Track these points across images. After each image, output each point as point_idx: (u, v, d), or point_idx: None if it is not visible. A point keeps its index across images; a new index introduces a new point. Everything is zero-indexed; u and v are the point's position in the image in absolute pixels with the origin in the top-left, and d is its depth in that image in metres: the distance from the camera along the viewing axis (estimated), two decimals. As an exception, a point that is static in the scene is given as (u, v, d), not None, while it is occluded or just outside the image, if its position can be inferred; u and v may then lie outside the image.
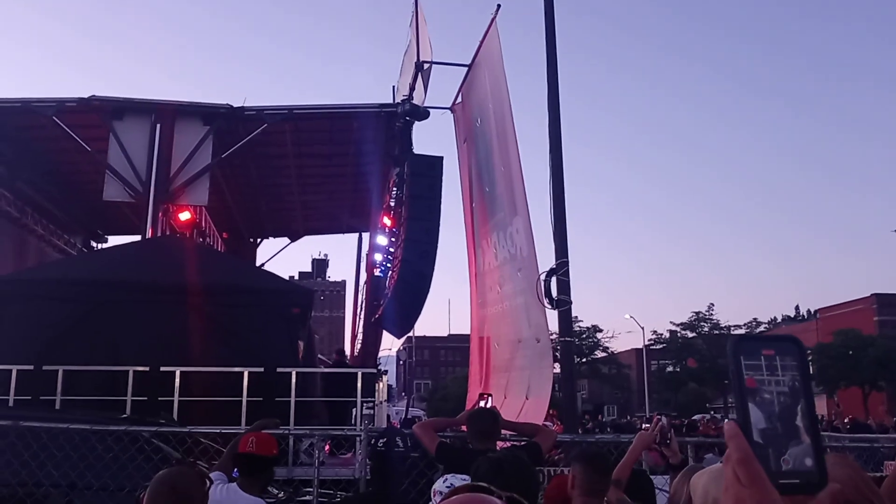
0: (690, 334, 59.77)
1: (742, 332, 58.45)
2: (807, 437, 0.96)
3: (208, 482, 3.22)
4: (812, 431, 0.97)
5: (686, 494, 3.46)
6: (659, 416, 4.77)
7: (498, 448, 5.13)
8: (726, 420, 0.99)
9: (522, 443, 5.62)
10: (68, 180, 20.81)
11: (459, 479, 3.09)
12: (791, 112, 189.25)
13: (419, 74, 17.53)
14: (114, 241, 24.77)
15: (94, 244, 25.30)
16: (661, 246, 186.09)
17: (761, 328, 62.48)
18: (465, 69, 17.66)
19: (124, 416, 8.93)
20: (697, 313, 60.32)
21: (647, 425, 4.94)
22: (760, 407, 0.97)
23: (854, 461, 1.65)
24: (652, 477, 5.27)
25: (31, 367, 10.68)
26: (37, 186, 20.15)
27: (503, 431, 5.64)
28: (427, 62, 17.69)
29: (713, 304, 63.45)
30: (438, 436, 5.43)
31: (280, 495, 6.53)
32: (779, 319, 70.01)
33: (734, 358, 1.01)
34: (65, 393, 10.44)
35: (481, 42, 16.36)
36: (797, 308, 73.87)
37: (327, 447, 10.38)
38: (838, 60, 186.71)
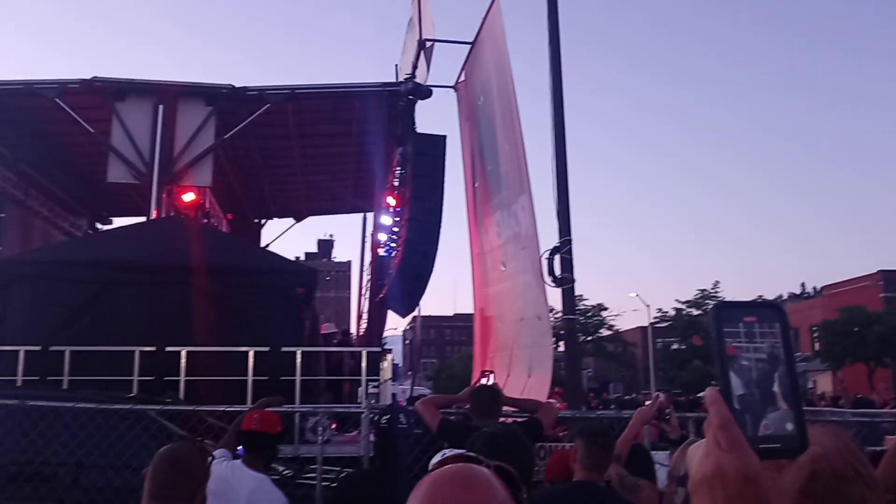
0: (696, 312, 59.67)
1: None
2: (784, 402, 0.98)
3: (210, 458, 3.26)
4: (792, 397, 0.99)
5: (685, 468, 3.50)
6: (657, 393, 4.81)
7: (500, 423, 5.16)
8: (708, 387, 1.01)
9: (524, 419, 5.66)
10: (72, 162, 20.82)
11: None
12: (796, 88, 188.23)
13: (422, 53, 17.44)
14: (118, 222, 24.82)
15: (99, 225, 25.33)
16: (667, 224, 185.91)
17: (766, 306, 61.99)
18: (468, 47, 17.55)
19: (130, 395, 8.99)
20: (703, 291, 60.15)
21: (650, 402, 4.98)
22: (739, 374, 0.99)
23: (843, 431, 1.67)
24: (653, 452, 5.31)
25: (39, 348, 10.75)
26: (41, 168, 20.16)
27: (505, 408, 5.67)
28: (429, 40, 17.61)
29: (719, 282, 63.52)
30: (441, 412, 5.47)
31: (285, 472, 6.59)
32: (784, 296, 69.85)
33: (715, 324, 1.02)
34: (71, 373, 10.52)
35: (484, 19, 16.25)
36: (803, 285, 73.69)
37: (334, 425, 10.45)
38: (842, 35, 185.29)
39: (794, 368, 1.01)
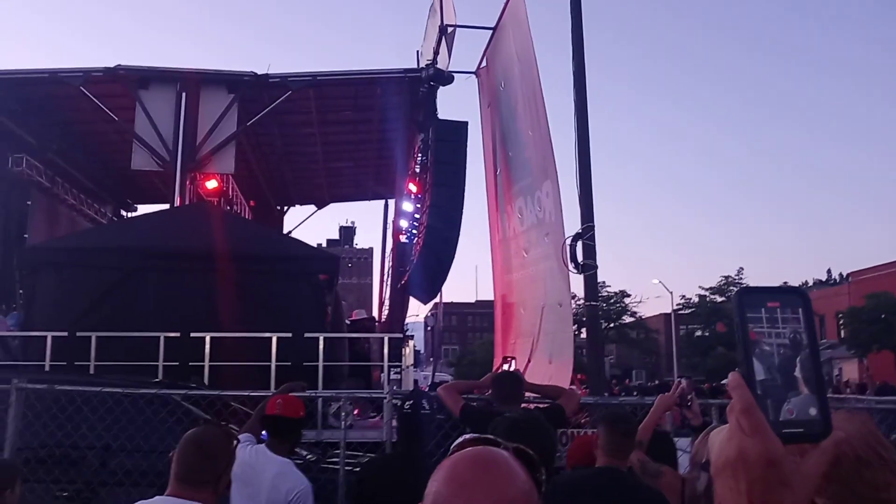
0: (720, 299, 59.25)
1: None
2: (805, 387, 0.98)
3: (235, 441, 3.30)
4: (816, 382, 0.99)
5: (707, 454, 3.50)
6: (679, 379, 4.80)
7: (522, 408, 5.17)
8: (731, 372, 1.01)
9: (546, 405, 5.66)
10: (97, 150, 21.03)
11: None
12: (820, 74, 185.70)
13: (443, 38, 17.38)
14: (143, 209, 25.05)
15: (123, 213, 25.57)
16: (691, 210, 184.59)
17: (791, 292, 61.35)
18: (490, 32, 17.46)
19: (156, 380, 9.09)
20: (727, 277, 59.76)
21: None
22: (760, 359, 0.99)
23: (867, 417, 1.66)
24: (675, 439, 5.30)
25: (66, 334, 10.89)
26: (67, 157, 20.36)
27: (527, 394, 5.68)
28: (451, 26, 17.53)
29: (743, 269, 62.90)
30: (463, 398, 5.49)
31: (308, 457, 6.64)
32: (810, 283, 69.23)
33: (738, 310, 1.02)
34: (98, 358, 10.64)
35: (506, 4, 16.14)
36: (829, 271, 72.88)
37: (357, 411, 10.51)
38: (867, 22, 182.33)
39: (817, 353, 1.01)
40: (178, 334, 10.87)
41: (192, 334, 10.86)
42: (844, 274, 63.02)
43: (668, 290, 59.38)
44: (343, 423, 6.78)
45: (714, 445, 1.00)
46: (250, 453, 4.31)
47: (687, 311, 62.88)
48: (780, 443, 0.94)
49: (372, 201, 29.28)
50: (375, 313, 25.24)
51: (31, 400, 6.14)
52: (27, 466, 5.31)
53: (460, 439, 1.34)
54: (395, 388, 9.40)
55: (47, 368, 10.41)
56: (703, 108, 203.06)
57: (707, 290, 60.46)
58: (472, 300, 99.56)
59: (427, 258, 16.64)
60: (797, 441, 0.98)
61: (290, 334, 10.99)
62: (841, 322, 51.97)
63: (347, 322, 15.78)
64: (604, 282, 58.60)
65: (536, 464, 1.31)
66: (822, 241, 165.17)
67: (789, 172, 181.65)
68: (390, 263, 22.95)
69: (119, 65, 16.58)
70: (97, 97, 16.49)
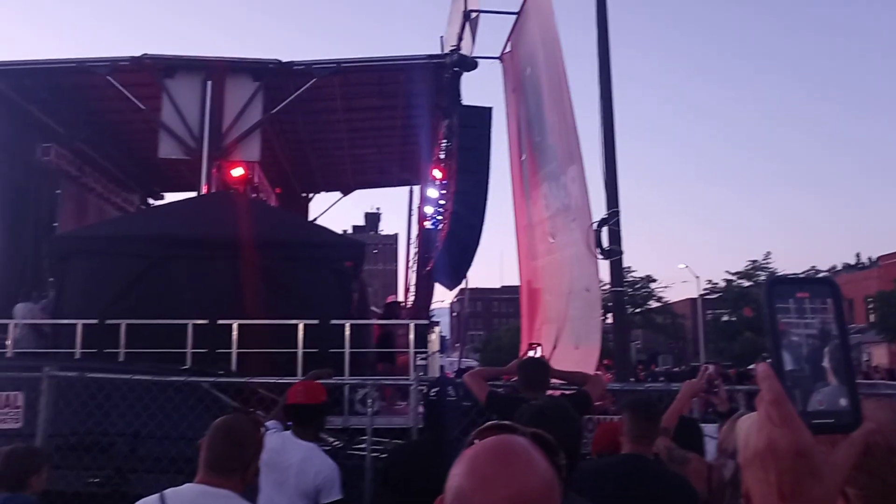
0: (747, 283, 58.80)
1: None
2: (834, 378, 0.97)
3: (263, 429, 3.33)
4: (846, 373, 0.98)
5: (734, 442, 3.48)
6: (706, 366, 4.76)
7: (548, 395, 5.16)
8: (759, 363, 1.01)
9: (572, 391, 5.66)
10: (124, 139, 21.20)
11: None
12: (852, 54, 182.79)
13: (467, 24, 17.30)
14: (170, 197, 25.24)
15: (151, 201, 25.79)
16: (717, 194, 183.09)
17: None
18: (514, 17, 17.37)
19: (184, 367, 9.19)
20: (754, 262, 59.24)
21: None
22: (788, 349, 0.99)
23: (899, 405, 1.63)
24: (701, 425, 5.27)
25: (95, 321, 11.04)
26: (94, 145, 20.56)
27: (553, 380, 5.67)
28: (475, 11, 17.45)
29: (770, 253, 62.22)
30: (489, 385, 5.50)
31: (335, 442, 6.69)
32: (839, 267, 68.34)
33: (768, 300, 1.02)
34: (127, 346, 10.78)
35: (529, -12, 16.06)
36: (857, 255, 71.60)
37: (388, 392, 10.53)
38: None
39: (847, 344, 1.01)
40: (206, 321, 10.99)
41: (220, 321, 10.97)
42: (874, 258, 62.19)
43: (694, 274, 59.01)
44: (370, 409, 6.82)
45: (741, 433, 1.00)
46: (277, 440, 4.35)
47: (713, 296, 62.48)
48: (810, 433, 0.94)
49: (397, 188, 29.31)
50: (401, 299, 25.35)
51: (63, 387, 6.23)
52: (58, 453, 5.40)
53: (479, 428, 1.36)
54: (421, 374, 9.43)
55: (78, 356, 10.56)
56: (733, 87, 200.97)
57: (734, 274, 60.03)
58: (498, 286, 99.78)
59: (452, 244, 16.66)
60: (827, 432, 0.98)
61: (316, 321, 11.06)
62: (870, 306, 51.39)
63: (383, 307, 15.82)
64: (629, 266, 58.48)
65: (555, 448, 1.33)
66: (851, 224, 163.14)
67: (819, 154, 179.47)
68: (416, 250, 23.01)
69: (145, 54, 16.69)
70: (124, 86, 16.60)
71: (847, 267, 67.29)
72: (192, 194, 17.10)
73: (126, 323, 10.90)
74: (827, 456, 0.97)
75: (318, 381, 4.94)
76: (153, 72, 16.71)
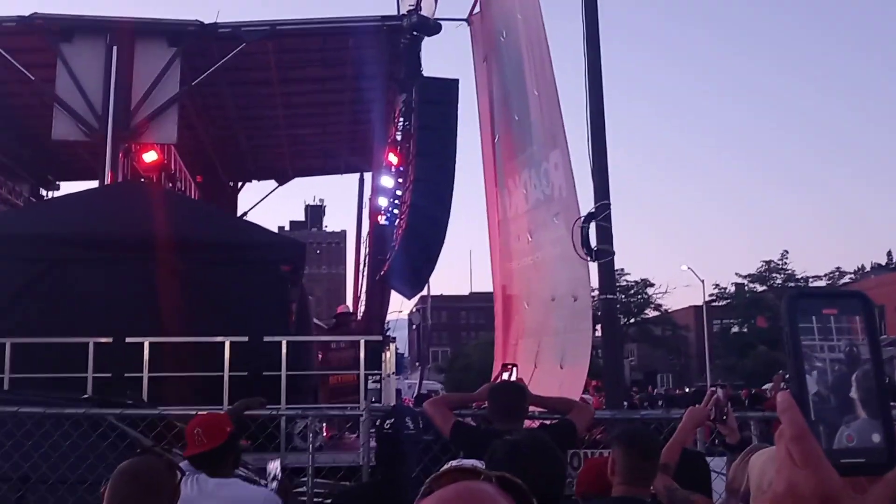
0: (760, 288, 59.68)
1: (822, 284, 58.23)
2: (863, 411, 0.97)
3: (179, 473, 3.28)
4: (880, 405, 0.98)
5: (746, 480, 3.50)
6: (713, 388, 4.79)
7: (526, 428, 5.18)
8: (779, 391, 1.00)
9: (554, 421, 5.67)
10: (10, 116, 20.88)
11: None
12: (874, 44, 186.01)
13: (428, -21, 17.36)
14: (67, 188, 24.98)
15: (43, 192, 25.49)
16: (727, 183, 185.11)
17: (845, 279, 62.14)
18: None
19: (84, 396, 9.07)
20: (768, 262, 60.24)
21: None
22: (813, 375, 0.98)
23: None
24: (707, 459, 5.32)
25: (-26, 340, 10.85)
26: (-27, 125, 20.28)
27: (531, 408, 5.69)
28: (437, -37, 17.50)
29: (787, 252, 63.17)
30: (454, 414, 5.49)
31: (249, 467, 6.65)
32: (867, 268, 69.63)
33: (790, 318, 1.01)
34: (14, 370, 10.60)
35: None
36: (889, 254, 73.21)
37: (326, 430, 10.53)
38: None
39: (882, 371, 1.01)
40: (110, 339, 10.86)
41: (128, 339, 10.85)
42: (909, 257, 63.52)
43: (699, 277, 59.35)
44: (311, 444, 6.79)
45: (755, 470, 1.00)
46: (192, 486, 4.28)
47: (721, 303, 63.27)
48: (838, 475, 0.94)
49: (344, 175, 29.26)
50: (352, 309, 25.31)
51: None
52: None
53: (436, 473, 1.35)
54: (373, 401, 9.41)
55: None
56: (748, 56, 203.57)
57: (745, 277, 60.91)
58: (467, 292, 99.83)
59: (411, 243, 16.66)
60: (857, 473, 0.98)
61: (246, 338, 11.01)
62: (898, 314, 52.33)
63: (333, 318, 15.81)
64: (622, 269, 59.00)
65: (526, 494, 1.32)
66: (882, 220, 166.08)
67: (844, 144, 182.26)
68: (367, 250, 23.00)
69: (36, 13, 16.46)
70: (9, 52, 16.37)
71: (876, 267, 68.60)
72: (95, 184, 16.91)
73: (11, 342, 10.72)
74: (857, 501, 0.97)
75: (216, 414, 4.89)
76: (46, 34, 16.50)
